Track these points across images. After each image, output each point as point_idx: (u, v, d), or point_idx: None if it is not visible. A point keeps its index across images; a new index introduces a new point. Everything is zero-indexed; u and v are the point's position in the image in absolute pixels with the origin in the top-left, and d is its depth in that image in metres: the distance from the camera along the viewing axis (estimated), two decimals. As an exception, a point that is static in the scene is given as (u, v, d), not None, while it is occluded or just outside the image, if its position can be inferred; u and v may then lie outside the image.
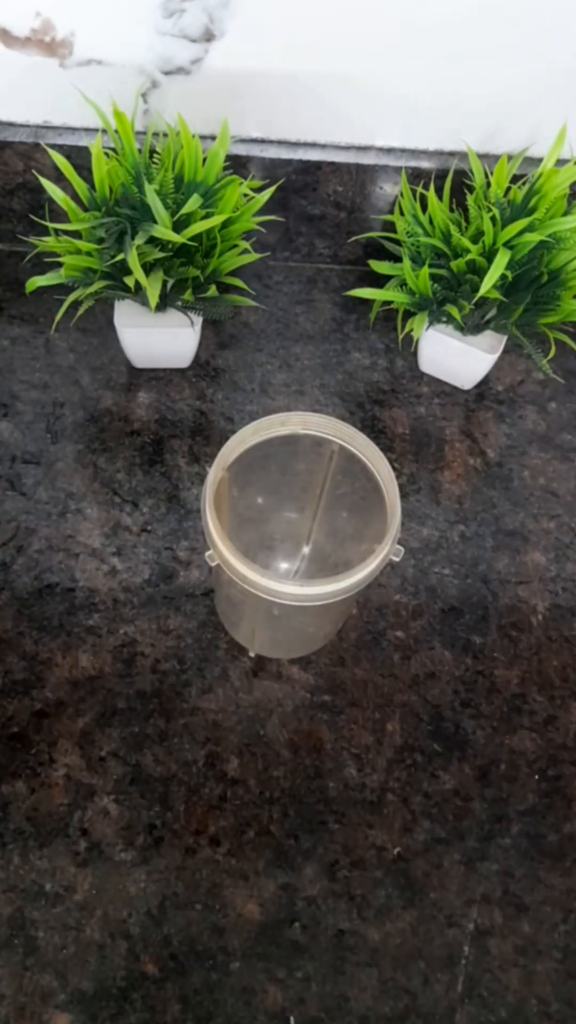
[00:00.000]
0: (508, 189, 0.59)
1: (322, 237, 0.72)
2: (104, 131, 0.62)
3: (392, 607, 0.57)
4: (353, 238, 0.71)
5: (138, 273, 0.52)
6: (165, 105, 0.63)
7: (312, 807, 0.50)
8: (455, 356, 0.65)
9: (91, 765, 0.50)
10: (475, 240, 0.58)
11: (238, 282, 0.62)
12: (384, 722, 0.53)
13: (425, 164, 0.66)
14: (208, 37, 0.58)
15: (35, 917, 0.45)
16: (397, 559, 0.42)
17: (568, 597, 0.58)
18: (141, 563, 0.57)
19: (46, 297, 0.68)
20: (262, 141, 0.66)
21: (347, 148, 0.66)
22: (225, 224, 0.58)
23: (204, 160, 0.57)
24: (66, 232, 0.57)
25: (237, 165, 0.65)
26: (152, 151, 0.58)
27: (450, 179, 0.62)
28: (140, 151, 0.57)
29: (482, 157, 0.65)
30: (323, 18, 0.57)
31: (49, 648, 0.53)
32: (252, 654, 0.54)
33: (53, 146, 0.63)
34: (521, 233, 0.56)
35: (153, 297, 0.54)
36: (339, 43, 0.59)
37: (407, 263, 0.61)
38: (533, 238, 0.55)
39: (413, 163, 0.66)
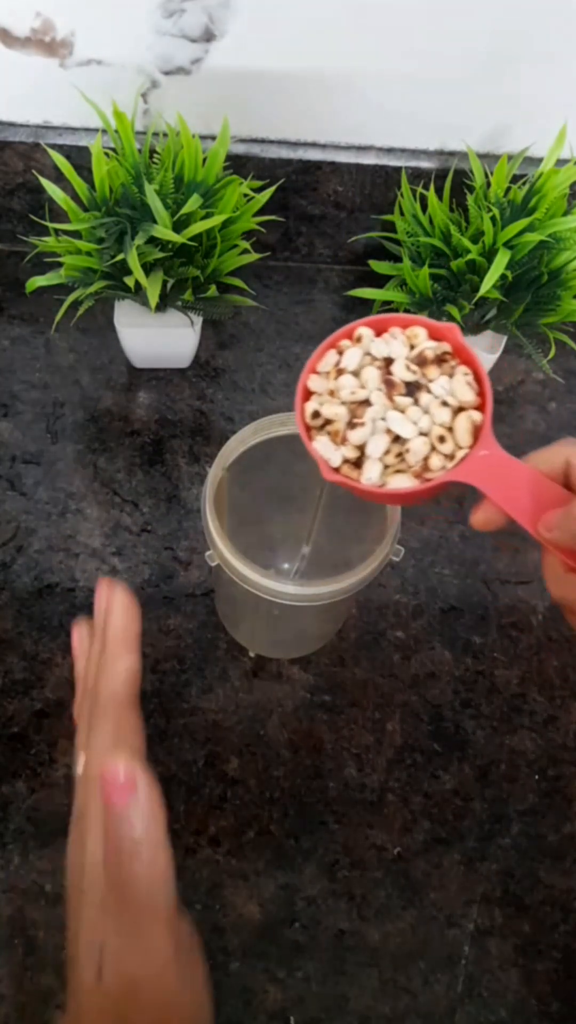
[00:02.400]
0: (508, 189, 0.59)
1: (322, 237, 0.72)
2: (104, 131, 0.62)
3: (392, 607, 0.57)
4: (353, 238, 0.71)
5: (138, 273, 0.52)
6: (165, 105, 0.63)
7: (312, 807, 0.49)
8: (455, 356, 0.65)
9: (91, 765, 0.50)
10: (475, 240, 0.58)
11: (238, 282, 0.62)
12: (384, 722, 0.53)
13: (425, 164, 0.66)
14: (208, 37, 0.58)
15: (35, 917, 0.45)
16: (397, 559, 0.42)
17: (568, 597, 0.58)
18: (141, 563, 0.57)
19: (46, 297, 0.68)
20: (262, 141, 0.66)
21: (347, 148, 0.66)
22: (225, 224, 0.58)
23: (204, 160, 0.57)
24: (66, 232, 0.57)
25: (237, 165, 0.65)
26: (152, 151, 0.58)
27: (450, 179, 0.62)
28: (140, 151, 0.57)
29: (482, 157, 0.65)
30: (323, 18, 0.57)
31: (49, 648, 0.53)
32: (252, 654, 0.54)
33: (53, 146, 0.63)
34: (521, 233, 0.56)
35: (153, 297, 0.54)
36: (339, 43, 0.59)
37: (407, 263, 0.61)
38: (533, 238, 0.55)
39: (413, 163, 0.66)
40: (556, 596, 0.30)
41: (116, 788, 0.27)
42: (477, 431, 0.32)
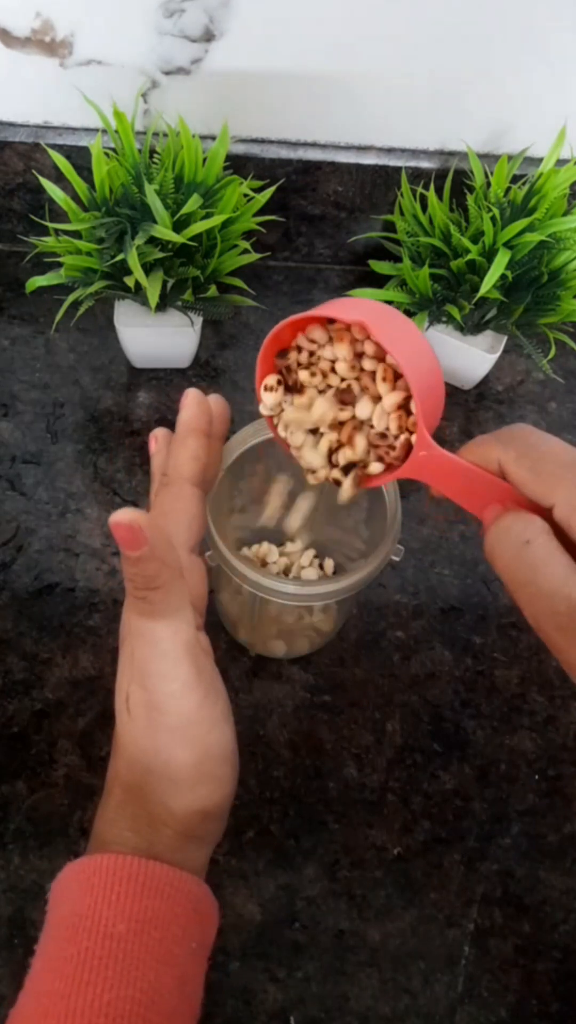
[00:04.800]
0: (508, 189, 0.59)
1: (322, 237, 0.72)
2: (104, 131, 0.62)
3: (392, 607, 0.57)
4: (353, 238, 0.71)
5: (138, 273, 0.52)
6: (165, 105, 0.63)
7: (312, 807, 0.49)
8: (455, 356, 0.65)
9: (91, 765, 0.50)
10: (475, 240, 0.59)
11: (238, 282, 0.62)
12: (384, 722, 0.53)
13: (425, 164, 0.66)
14: (208, 37, 0.58)
15: (35, 917, 0.45)
16: (397, 559, 0.42)
17: (568, 597, 0.58)
18: (141, 563, 0.57)
19: (46, 297, 0.68)
20: (262, 141, 0.66)
21: (347, 148, 0.66)
22: (225, 224, 0.58)
23: (204, 160, 0.57)
24: (66, 232, 0.57)
25: (237, 165, 0.65)
26: (152, 151, 0.58)
27: (450, 179, 0.62)
28: (140, 151, 0.57)
29: (482, 157, 0.65)
30: (323, 18, 0.57)
31: (49, 648, 0.53)
32: (252, 654, 0.54)
33: (53, 146, 0.63)
34: (521, 233, 0.56)
35: (153, 297, 0.54)
36: (339, 43, 0.59)
37: (407, 263, 0.61)
38: (533, 238, 0.55)
39: (413, 163, 0.66)
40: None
41: (123, 536, 0.29)
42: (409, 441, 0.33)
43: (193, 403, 0.36)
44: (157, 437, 0.38)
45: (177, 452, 0.36)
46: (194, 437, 0.35)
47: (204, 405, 0.36)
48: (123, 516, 0.28)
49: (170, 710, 0.30)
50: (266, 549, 0.56)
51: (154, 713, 0.31)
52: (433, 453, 0.32)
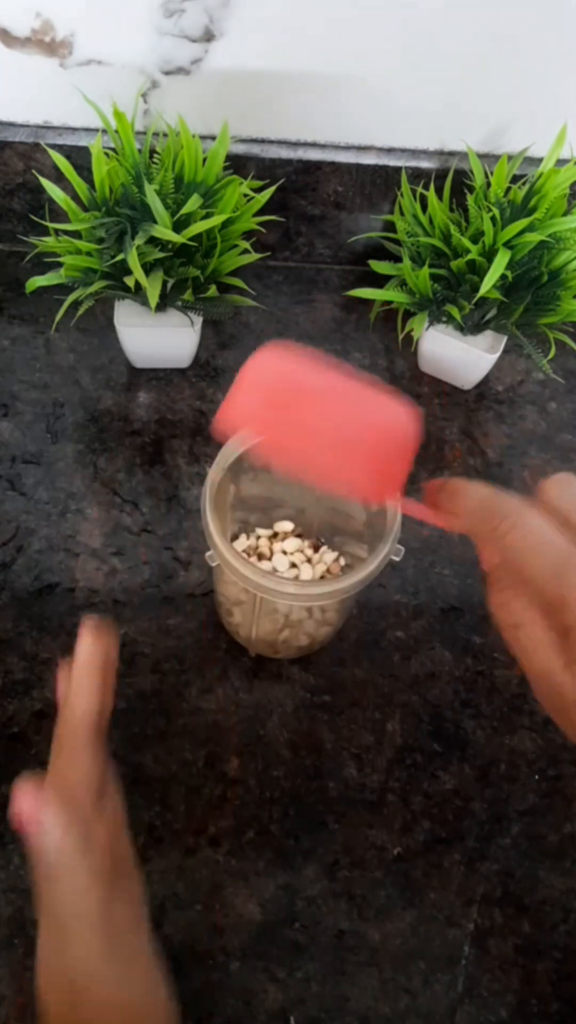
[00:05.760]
0: (508, 189, 0.59)
1: (322, 237, 0.72)
2: (104, 131, 0.62)
3: (392, 607, 0.57)
4: (353, 238, 0.71)
5: (138, 273, 0.52)
6: (165, 105, 0.63)
7: (312, 807, 0.49)
8: (455, 356, 0.65)
9: (91, 765, 0.50)
10: (475, 240, 0.59)
11: (238, 282, 0.62)
12: (384, 722, 0.53)
13: (425, 164, 0.66)
14: (208, 37, 0.58)
15: (35, 917, 0.45)
16: (397, 559, 0.42)
17: (568, 597, 0.58)
18: (141, 563, 0.57)
19: (46, 297, 0.68)
20: (262, 141, 0.66)
21: (347, 148, 0.66)
22: (225, 224, 0.58)
23: (204, 160, 0.57)
24: (66, 232, 0.57)
25: (237, 165, 0.65)
26: (152, 151, 0.58)
27: (450, 179, 0.62)
28: (140, 151, 0.57)
29: (482, 157, 0.65)
30: (323, 18, 0.57)
31: (49, 648, 0.53)
32: (252, 654, 0.54)
33: (53, 146, 0.63)
34: (521, 233, 0.56)
35: (153, 297, 0.54)
36: (339, 43, 0.59)
37: (407, 263, 0.61)
38: (533, 238, 0.55)
39: (413, 163, 0.66)
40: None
41: (23, 819, 0.31)
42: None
43: (88, 638, 0.36)
44: (62, 674, 0.38)
45: (74, 694, 0.35)
46: (88, 675, 0.35)
47: (99, 639, 0.36)
48: (23, 802, 0.31)
49: (85, 990, 0.31)
50: (264, 543, 0.56)
51: (71, 988, 0.32)
52: (406, 506, 0.32)
